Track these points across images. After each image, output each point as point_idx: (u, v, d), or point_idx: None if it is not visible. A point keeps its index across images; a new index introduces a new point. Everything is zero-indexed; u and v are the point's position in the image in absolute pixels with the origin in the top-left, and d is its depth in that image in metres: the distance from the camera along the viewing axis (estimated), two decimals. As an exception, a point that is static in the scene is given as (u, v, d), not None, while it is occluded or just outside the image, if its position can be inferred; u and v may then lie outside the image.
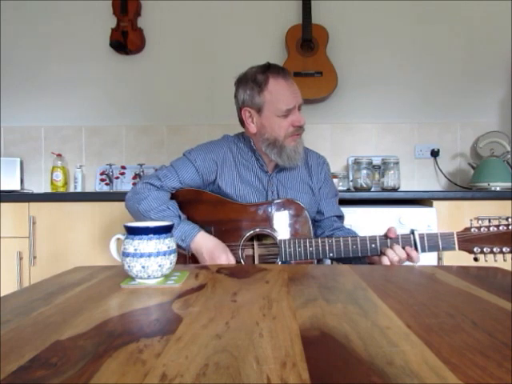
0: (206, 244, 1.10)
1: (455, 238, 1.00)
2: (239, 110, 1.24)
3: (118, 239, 0.75)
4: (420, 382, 0.33)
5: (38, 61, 2.38)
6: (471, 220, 1.02)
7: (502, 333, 0.45)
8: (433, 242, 1.02)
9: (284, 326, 0.48)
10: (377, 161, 2.14)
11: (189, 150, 1.27)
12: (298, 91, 1.20)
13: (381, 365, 0.36)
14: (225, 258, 1.08)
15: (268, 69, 1.19)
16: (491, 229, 0.98)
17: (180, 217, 1.15)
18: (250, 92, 1.19)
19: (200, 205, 1.21)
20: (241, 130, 1.33)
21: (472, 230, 1.00)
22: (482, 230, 0.99)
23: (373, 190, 2.08)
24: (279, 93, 1.16)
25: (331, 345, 0.42)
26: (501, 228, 0.98)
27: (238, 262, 1.13)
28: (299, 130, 1.20)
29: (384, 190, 2.05)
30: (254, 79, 1.19)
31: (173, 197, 1.22)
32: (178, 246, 1.10)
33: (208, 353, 0.40)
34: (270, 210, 1.17)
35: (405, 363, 0.37)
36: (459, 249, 1.00)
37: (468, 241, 1.00)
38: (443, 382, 0.33)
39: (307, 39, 2.20)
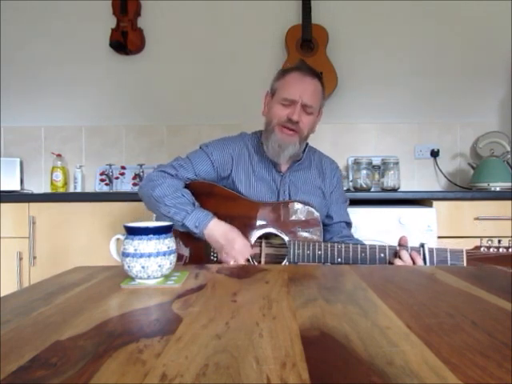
0: (220, 230, 1.10)
1: (464, 256, 1.01)
2: None
3: (118, 239, 0.75)
4: (420, 382, 0.33)
5: (38, 61, 2.38)
6: (481, 239, 1.03)
7: (502, 333, 0.45)
8: (442, 257, 1.02)
9: (284, 326, 0.47)
10: (377, 161, 2.14)
11: (206, 143, 1.29)
12: (309, 91, 1.19)
13: (381, 365, 0.36)
14: (241, 241, 1.08)
15: (299, 65, 1.24)
16: (500, 250, 0.99)
17: (194, 204, 1.15)
18: (276, 77, 1.26)
19: (212, 198, 1.21)
20: (244, 130, 1.35)
21: (482, 249, 1.01)
22: (491, 250, 1.00)
23: (373, 190, 2.08)
24: (288, 83, 1.20)
25: (331, 345, 0.42)
26: (510, 250, 0.98)
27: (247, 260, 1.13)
28: (291, 124, 1.19)
29: (384, 190, 2.05)
30: (285, 69, 1.26)
31: (186, 188, 1.22)
32: (193, 234, 1.11)
33: (208, 353, 0.40)
34: (281, 210, 1.17)
35: (405, 363, 0.37)
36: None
37: (477, 259, 1.00)
38: (443, 381, 0.33)
39: (307, 39, 2.20)
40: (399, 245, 1.06)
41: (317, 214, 1.17)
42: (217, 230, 1.10)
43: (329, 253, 1.06)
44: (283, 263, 1.10)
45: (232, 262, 1.07)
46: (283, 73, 1.24)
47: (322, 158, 1.37)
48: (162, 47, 2.36)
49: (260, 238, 1.16)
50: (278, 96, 1.21)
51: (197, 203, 1.16)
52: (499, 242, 1.01)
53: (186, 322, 0.49)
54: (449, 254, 1.02)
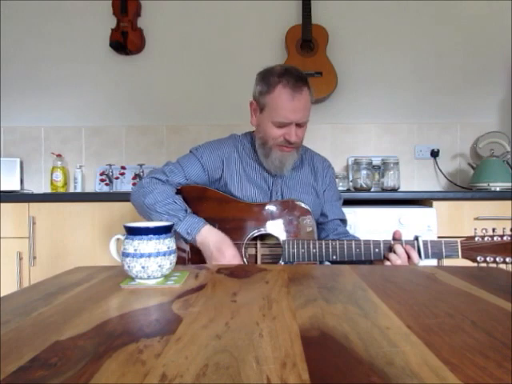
0: (212, 237, 1.09)
1: (459, 246, 1.01)
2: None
3: (118, 239, 0.75)
4: (420, 382, 0.33)
5: (38, 61, 2.38)
6: (475, 229, 1.03)
7: (501, 333, 0.45)
8: (436, 249, 1.03)
9: (284, 326, 0.47)
10: (377, 161, 2.14)
11: (196, 146, 1.28)
12: (301, 109, 1.14)
13: (381, 365, 0.36)
14: (231, 251, 1.07)
15: (283, 74, 1.14)
16: (495, 238, 0.99)
17: (186, 210, 1.14)
18: (260, 89, 1.18)
19: (205, 202, 1.21)
20: (244, 130, 1.34)
21: (476, 238, 1.01)
22: (485, 239, 1.00)
23: (373, 190, 2.08)
24: (280, 103, 1.13)
25: (331, 345, 0.42)
26: (504, 238, 0.98)
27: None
28: (289, 144, 1.17)
29: (384, 190, 2.05)
30: (267, 78, 1.16)
31: (178, 193, 1.22)
32: (184, 240, 1.11)
33: (208, 353, 0.40)
34: (274, 210, 1.17)
35: (405, 363, 0.37)
36: (462, 257, 1.01)
37: (471, 249, 1.00)
38: (443, 382, 0.33)
39: (307, 39, 2.20)
40: (393, 239, 1.06)
41: (310, 212, 1.16)
42: (208, 238, 1.09)
43: (323, 250, 1.06)
44: (279, 263, 1.10)
45: None
46: (269, 87, 1.14)
47: (314, 157, 1.35)
48: (162, 47, 2.36)
49: (255, 238, 1.16)
50: (269, 116, 1.15)
51: (189, 209, 1.16)
52: (493, 230, 1.01)
53: (186, 322, 0.49)
54: (443, 245, 1.02)
